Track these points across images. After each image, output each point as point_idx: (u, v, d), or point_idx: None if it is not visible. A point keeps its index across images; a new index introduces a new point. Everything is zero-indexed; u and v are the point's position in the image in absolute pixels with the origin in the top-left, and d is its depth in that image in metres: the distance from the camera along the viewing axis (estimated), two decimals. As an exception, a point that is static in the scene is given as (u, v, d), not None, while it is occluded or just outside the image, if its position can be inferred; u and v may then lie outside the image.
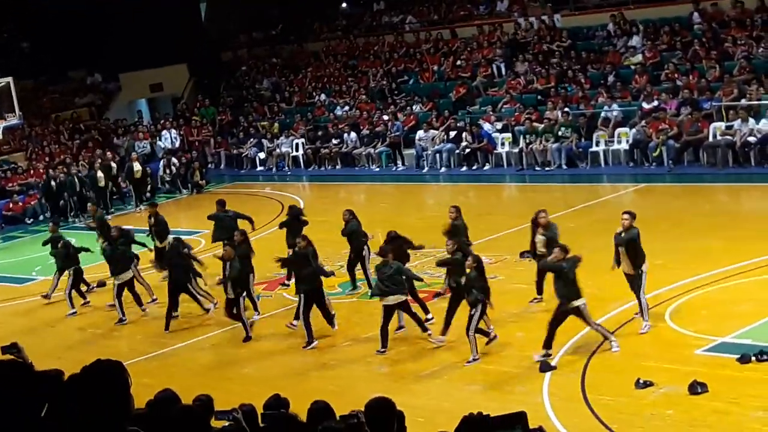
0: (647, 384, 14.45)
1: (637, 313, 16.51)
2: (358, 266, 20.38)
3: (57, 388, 5.30)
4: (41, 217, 32.91)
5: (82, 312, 21.87)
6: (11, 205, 33.74)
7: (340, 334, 18.20)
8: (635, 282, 16.28)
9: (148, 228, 23.54)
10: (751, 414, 13.34)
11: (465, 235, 18.79)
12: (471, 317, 16.03)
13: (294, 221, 21.49)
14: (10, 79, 31.09)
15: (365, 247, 20.09)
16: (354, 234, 20.15)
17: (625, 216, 16.44)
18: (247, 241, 20.14)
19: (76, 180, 33.01)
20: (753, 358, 14.69)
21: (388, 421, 7.02)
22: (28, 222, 32.98)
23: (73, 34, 40.05)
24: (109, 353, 16.06)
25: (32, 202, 33.90)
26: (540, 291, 18.02)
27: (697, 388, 13.98)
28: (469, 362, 16.11)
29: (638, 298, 16.32)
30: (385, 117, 35.09)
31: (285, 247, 20.94)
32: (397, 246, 18.54)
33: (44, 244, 23.10)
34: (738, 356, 14.87)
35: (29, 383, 4.50)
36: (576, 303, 15.46)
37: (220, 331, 19.54)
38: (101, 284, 23.09)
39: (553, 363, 15.40)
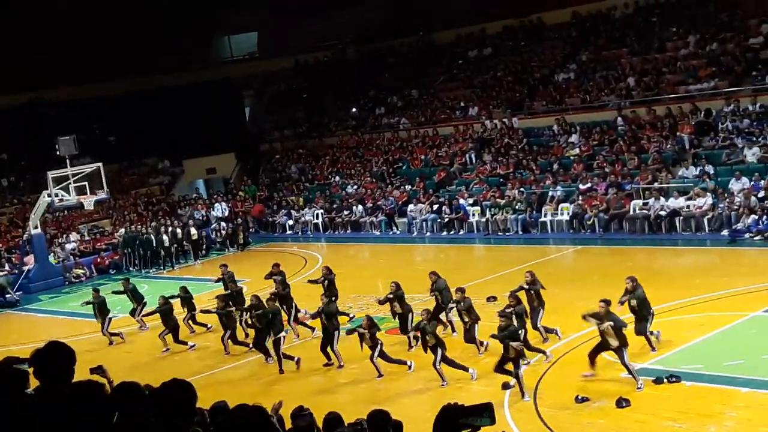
0: (584, 399, 14.38)
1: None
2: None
3: (136, 399, 5.24)
4: (124, 270, 32.84)
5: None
6: (98, 260, 33.71)
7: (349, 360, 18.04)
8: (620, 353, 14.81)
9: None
10: (663, 423, 13.28)
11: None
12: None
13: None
14: (100, 164, 31.19)
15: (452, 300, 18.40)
16: (442, 290, 18.80)
17: (602, 304, 15.05)
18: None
19: (153, 238, 33.04)
20: (665, 380, 14.63)
21: (385, 428, 6.96)
22: (112, 273, 32.89)
23: (148, 130, 40.32)
24: (173, 374, 15.97)
25: (115, 257, 33.86)
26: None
27: (622, 402, 13.93)
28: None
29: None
30: (384, 194, 35.16)
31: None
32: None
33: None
34: (653, 378, 14.80)
35: (102, 399, 4.46)
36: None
37: (252, 358, 19.44)
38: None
39: (511, 383, 15.25)
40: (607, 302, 15.24)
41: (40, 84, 41.14)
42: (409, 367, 17.04)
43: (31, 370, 5.02)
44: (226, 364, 19.39)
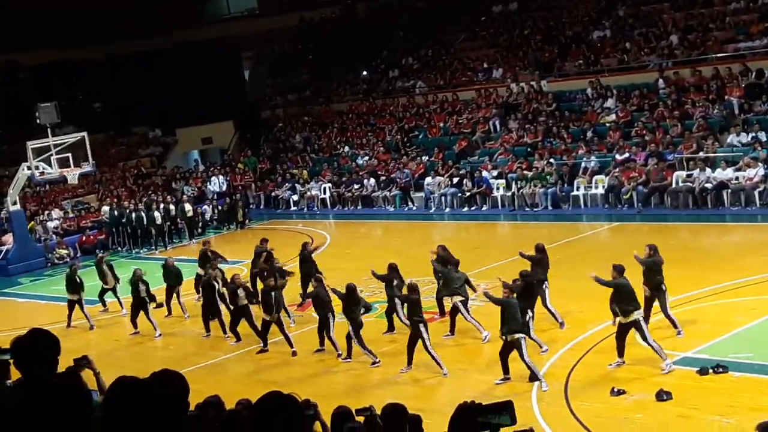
0: (620, 392, 14.40)
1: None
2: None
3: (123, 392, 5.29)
4: (110, 250, 33.02)
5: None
6: (84, 239, 33.87)
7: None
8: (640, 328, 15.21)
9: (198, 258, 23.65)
10: (709, 418, 13.27)
11: None
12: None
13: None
14: (85, 133, 31.23)
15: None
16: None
17: (613, 272, 15.52)
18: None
19: (143, 215, 33.10)
20: (710, 371, 14.63)
21: (401, 423, 6.99)
22: (99, 253, 33.02)
23: (137, 95, 40.37)
24: (166, 363, 16.09)
25: (101, 236, 34.01)
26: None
27: (663, 395, 13.94)
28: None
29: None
30: (399, 166, 35.18)
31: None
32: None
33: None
34: (697, 369, 14.81)
35: (86, 392, 4.51)
36: (517, 336, 15.04)
37: (248, 349, 19.54)
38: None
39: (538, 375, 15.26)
40: (619, 269, 15.37)
41: (17, 45, 41.18)
42: (375, 362, 17.25)
43: (11, 360, 5.07)
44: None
